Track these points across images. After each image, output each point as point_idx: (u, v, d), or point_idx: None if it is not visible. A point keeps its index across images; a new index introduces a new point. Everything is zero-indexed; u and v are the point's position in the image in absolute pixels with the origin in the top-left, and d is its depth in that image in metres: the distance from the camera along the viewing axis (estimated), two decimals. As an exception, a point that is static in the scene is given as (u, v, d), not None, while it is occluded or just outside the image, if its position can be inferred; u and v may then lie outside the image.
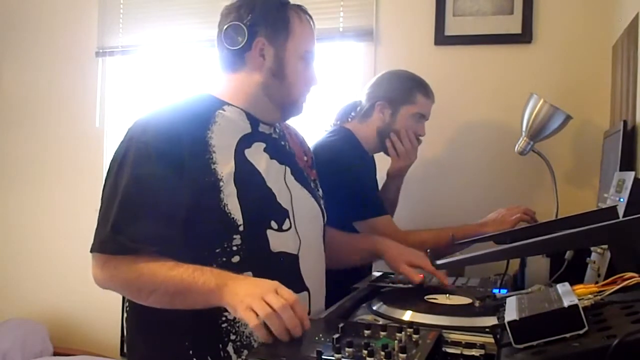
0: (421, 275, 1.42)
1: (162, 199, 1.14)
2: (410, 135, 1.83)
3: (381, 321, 1.12)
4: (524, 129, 1.90)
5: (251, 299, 0.99)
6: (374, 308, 1.22)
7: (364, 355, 0.85)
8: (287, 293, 1.01)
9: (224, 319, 1.17)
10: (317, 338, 0.96)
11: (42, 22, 2.83)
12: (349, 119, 1.90)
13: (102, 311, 2.61)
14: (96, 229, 1.17)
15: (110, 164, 1.21)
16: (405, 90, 1.82)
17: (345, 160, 1.68)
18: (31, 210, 2.85)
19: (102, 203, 1.18)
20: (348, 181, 1.58)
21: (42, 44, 2.83)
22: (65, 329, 2.75)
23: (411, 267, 1.45)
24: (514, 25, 2.15)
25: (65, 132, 2.78)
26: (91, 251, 1.17)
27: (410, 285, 1.43)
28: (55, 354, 2.63)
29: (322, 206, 1.41)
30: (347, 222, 1.66)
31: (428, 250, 1.44)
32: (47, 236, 2.81)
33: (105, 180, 1.20)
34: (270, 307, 0.97)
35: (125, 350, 2.55)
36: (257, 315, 0.97)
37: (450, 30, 2.22)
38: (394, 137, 1.82)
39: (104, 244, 1.14)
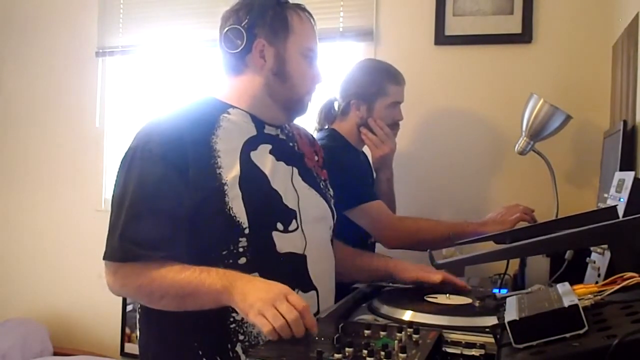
0: (440, 276, 1.37)
1: (168, 205, 1.15)
2: (379, 123, 1.86)
3: (381, 321, 1.12)
4: (524, 129, 1.90)
5: (262, 305, 1.00)
6: (374, 308, 1.22)
7: (364, 355, 0.85)
8: (297, 300, 1.00)
9: (232, 319, 1.18)
10: (317, 338, 0.96)
11: (42, 22, 2.83)
12: (333, 114, 1.94)
13: (102, 311, 2.61)
14: (107, 237, 1.18)
15: (118, 172, 1.22)
16: (376, 84, 1.86)
17: (332, 157, 1.68)
18: (31, 210, 2.85)
19: (111, 211, 1.20)
20: (334, 175, 1.59)
21: (42, 44, 2.83)
22: (65, 329, 2.75)
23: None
24: (514, 25, 2.15)
25: (65, 132, 2.78)
26: (103, 259, 1.18)
27: (410, 285, 1.43)
28: (55, 354, 2.63)
29: (332, 206, 1.41)
30: (342, 215, 1.66)
31: (429, 251, 1.44)
32: (47, 236, 2.81)
33: (113, 189, 1.22)
34: (282, 316, 0.97)
35: (125, 350, 2.58)
36: (268, 321, 0.98)
37: (450, 30, 2.21)
38: (363, 130, 1.87)
39: (113, 252, 1.16)
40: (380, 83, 1.86)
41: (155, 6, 2.61)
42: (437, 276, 1.36)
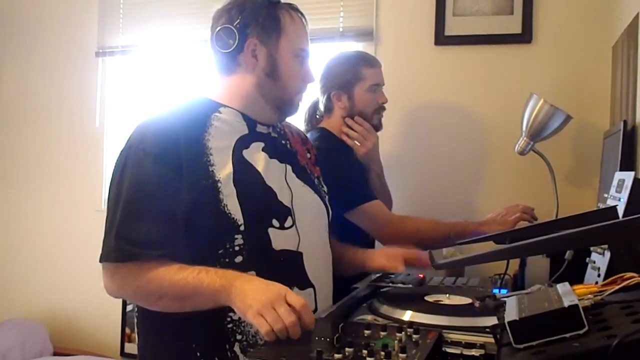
0: (402, 268, 1.39)
1: (163, 204, 1.15)
2: (358, 120, 1.86)
3: (381, 321, 1.12)
4: (524, 129, 1.90)
5: (261, 306, 1.00)
6: (374, 308, 1.22)
7: (364, 355, 0.85)
8: (295, 300, 1.01)
9: (229, 319, 1.18)
10: (317, 338, 0.96)
11: (42, 22, 2.83)
12: (318, 117, 1.93)
13: (102, 311, 2.61)
14: (103, 239, 1.18)
15: (112, 173, 1.22)
16: (349, 70, 1.86)
17: (326, 159, 1.68)
18: (31, 210, 2.85)
19: (107, 213, 1.20)
20: (331, 177, 1.59)
21: (42, 44, 2.83)
22: (65, 329, 2.75)
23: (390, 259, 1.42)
24: (514, 25, 2.15)
25: (65, 132, 2.78)
26: (100, 261, 1.17)
27: (410, 285, 1.43)
28: (55, 354, 2.63)
29: (327, 202, 1.42)
30: (340, 216, 1.66)
31: (429, 251, 1.44)
32: (47, 236, 2.81)
33: (109, 190, 1.22)
34: (281, 318, 0.97)
35: (125, 350, 2.58)
36: (267, 322, 0.98)
37: (450, 30, 2.22)
38: (344, 129, 1.86)
39: (109, 253, 1.16)
40: (354, 69, 1.86)
41: (155, 6, 2.62)
42: (401, 267, 1.38)
